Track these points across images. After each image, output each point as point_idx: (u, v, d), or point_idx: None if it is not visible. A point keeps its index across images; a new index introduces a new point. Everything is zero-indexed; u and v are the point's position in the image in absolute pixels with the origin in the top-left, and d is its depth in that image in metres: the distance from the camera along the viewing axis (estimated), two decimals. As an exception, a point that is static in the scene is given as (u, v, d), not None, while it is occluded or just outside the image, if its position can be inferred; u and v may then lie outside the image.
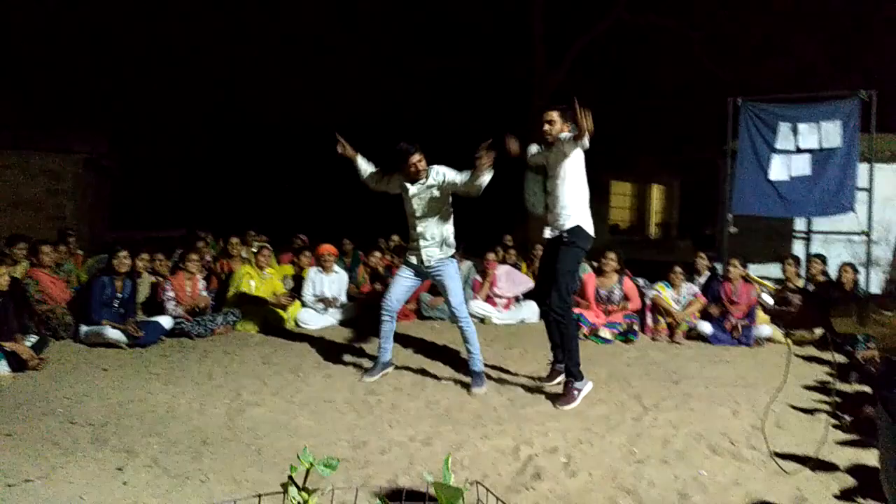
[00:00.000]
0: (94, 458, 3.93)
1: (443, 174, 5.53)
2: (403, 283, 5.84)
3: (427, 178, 5.56)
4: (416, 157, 5.46)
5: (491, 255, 9.34)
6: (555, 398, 5.30)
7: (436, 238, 5.64)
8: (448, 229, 5.69)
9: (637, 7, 16.78)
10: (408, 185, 5.60)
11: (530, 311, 8.89)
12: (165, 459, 3.91)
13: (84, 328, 7.00)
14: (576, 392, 5.23)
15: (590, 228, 5.31)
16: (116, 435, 4.31)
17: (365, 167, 5.85)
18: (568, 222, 5.23)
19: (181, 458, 3.93)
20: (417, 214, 5.63)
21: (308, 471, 1.64)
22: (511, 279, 9.23)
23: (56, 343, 6.93)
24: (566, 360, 5.34)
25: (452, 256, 5.71)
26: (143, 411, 4.83)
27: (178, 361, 6.44)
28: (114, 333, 6.85)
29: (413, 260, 5.76)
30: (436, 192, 5.55)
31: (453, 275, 5.68)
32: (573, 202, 5.25)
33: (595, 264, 8.77)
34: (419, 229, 5.64)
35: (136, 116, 19.40)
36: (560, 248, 5.27)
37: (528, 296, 9.08)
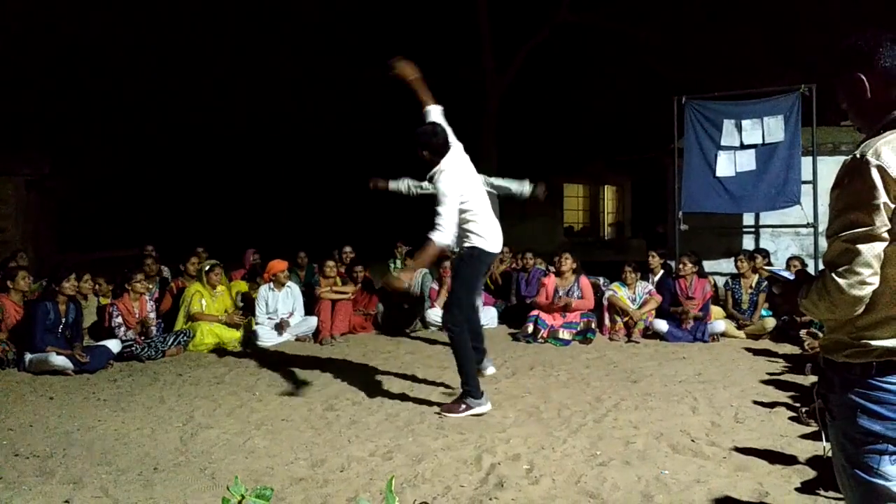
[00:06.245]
0: (40, 491, 3.77)
1: None
2: None
3: None
4: None
5: (447, 263, 9.24)
6: (443, 405, 5.22)
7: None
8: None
9: (582, 9, 16.97)
10: None
11: (489, 318, 8.84)
12: (115, 489, 3.77)
13: (28, 356, 6.71)
14: (463, 406, 5.04)
15: (483, 244, 5.13)
16: (63, 466, 4.15)
17: None
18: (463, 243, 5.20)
19: (131, 487, 3.79)
20: None
21: (240, 502, 1.56)
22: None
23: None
24: (461, 378, 5.13)
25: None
26: (92, 440, 4.66)
27: (128, 386, 6.25)
28: (59, 360, 6.59)
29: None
30: None
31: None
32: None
33: (552, 268, 8.80)
34: None
35: (81, 136, 18.95)
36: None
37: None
